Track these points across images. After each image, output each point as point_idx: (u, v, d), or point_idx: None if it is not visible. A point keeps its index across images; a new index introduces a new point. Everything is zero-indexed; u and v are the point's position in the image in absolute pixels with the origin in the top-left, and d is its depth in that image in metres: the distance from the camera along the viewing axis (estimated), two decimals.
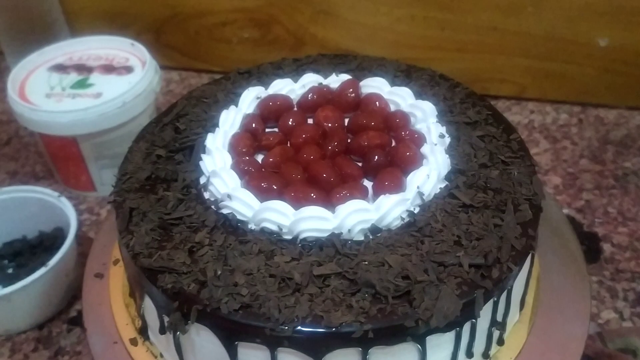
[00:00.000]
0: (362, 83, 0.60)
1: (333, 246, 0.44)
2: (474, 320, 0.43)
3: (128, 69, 0.78)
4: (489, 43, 0.89)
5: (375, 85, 0.60)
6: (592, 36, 0.85)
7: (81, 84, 0.76)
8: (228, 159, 0.52)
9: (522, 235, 0.46)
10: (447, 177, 0.50)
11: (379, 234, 0.45)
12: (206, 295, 0.42)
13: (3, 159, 0.88)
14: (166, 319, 0.46)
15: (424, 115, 0.55)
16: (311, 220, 0.45)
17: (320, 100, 0.58)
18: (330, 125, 0.54)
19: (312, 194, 0.47)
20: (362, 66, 0.65)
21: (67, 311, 0.67)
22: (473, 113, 0.58)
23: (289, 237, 0.46)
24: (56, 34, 0.91)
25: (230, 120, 0.56)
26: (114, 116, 0.72)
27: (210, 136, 0.54)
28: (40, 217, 0.71)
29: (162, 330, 0.47)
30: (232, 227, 0.47)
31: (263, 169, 0.51)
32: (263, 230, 0.46)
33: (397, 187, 0.48)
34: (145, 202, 0.50)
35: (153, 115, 0.79)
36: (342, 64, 0.66)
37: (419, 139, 0.52)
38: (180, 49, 1.01)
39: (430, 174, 0.48)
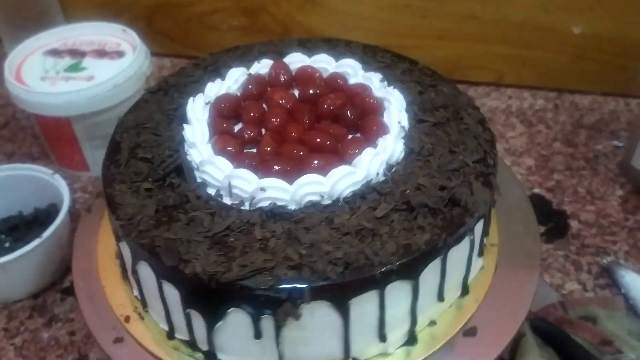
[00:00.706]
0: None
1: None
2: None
3: (119, 54, 0.82)
4: (469, 31, 0.93)
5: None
6: (567, 24, 0.89)
7: (74, 68, 0.80)
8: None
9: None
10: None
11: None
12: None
13: (0, 141, 0.91)
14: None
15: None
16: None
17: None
18: (288, 103, 0.59)
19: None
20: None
21: (60, 282, 0.70)
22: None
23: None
24: (51, 20, 0.95)
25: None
26: (105, 98, 0.76)
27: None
28: (36, 194, 0.75)
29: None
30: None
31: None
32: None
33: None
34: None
35: None
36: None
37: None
38: (172, 36, 1.05)
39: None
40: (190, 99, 0.59)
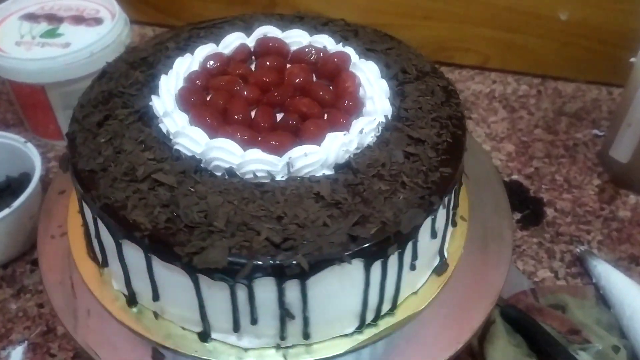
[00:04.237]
0: (354, 61, 0.60)
1: (188, 166, 0.49)
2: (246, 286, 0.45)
3: (98, 21, 0.80)
4: (455, 12, 0.92)
5: (363, 69, 0.59)
6: (553, 10, 0.88)
7: (51, 34, 0.78)
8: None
9: (339, 245, 0.44)
10: (337, 169, 0.49)
11: (231, 178, 0.49)
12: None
13: None
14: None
15: (373, 110, 0.54)
16: (187, 139, 0.49)
17: (306, 58, 0.60)
18: (293, 80, 0.57)
19: (205, 118, 0.51)
20: (388, 51, 0.63)
21: (30, 252, 0.69)
22: (431, 133, 0.54)
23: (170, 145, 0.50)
24: None
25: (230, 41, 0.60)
26: (81, 66, 0.74)
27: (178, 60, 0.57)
28: (8, 162, 0.73)
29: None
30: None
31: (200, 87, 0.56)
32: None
33: (278, 149, 0.49)
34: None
35: None
36: (375, 42, 0.64)
37: (340, 125, 0.52)
38: (155, 5, 1.02)
39: (309, 153, 0.48)
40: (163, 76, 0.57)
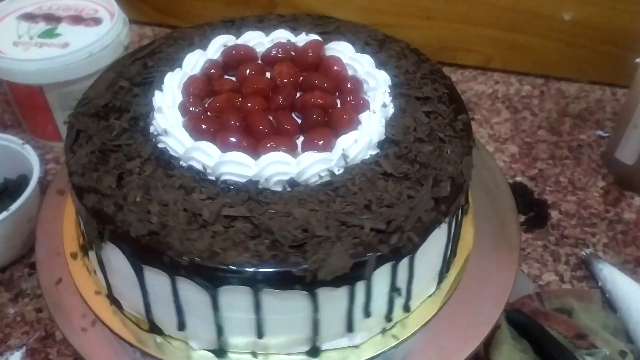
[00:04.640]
0: (327, 45, 0.61)
1: (247, 192, 0.46)
2: (367, 281, 0.45)
3: (96, 21, 0.79)
4: (458, 12, 0.91)
5: (339, 49, 0.60)
6: (557, 10, 0.87)
7: (49, 34, 0.77)
8: (178, 98, 0.53)
9: (433, 209, 0.46)
10: (380, 146, 0.50)
11: (295, 188, 0.47)
12: (120, 217, 0.45)
13: None
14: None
15: (376, 84, 0.56)
16: (233, 165, 0.47)
17: (283, 56, 0.58)
18: (283, 80, 0.55)
19: (241, 141, 0.48)
20: (339, 30, 0.65)
21: (29, 256, 0.68)
22: (429, 89, 0.57)
23: (212, 177, 0.48)
24: None
25: (193, 63, 0.57)
26: (80, 67, 0.73)
27: (169, 75, 0.55)
28: (5, 164, 0.72)
29: (89, 246, 0.51)
30: (164, 161, 0.49)
31: (206, 112, 0.53)
32: (190, 168, 0.48)
33: (325, 146, 0.48)
34: (94, 127, 0.52)
35: None
36: (320, 25, 0.66)
37: (361, 106, 0.53)
38: (154, 5, 1.01)
39: (359, 139, 0.49)
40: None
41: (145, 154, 0.49)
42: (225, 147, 0.48)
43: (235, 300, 0.44)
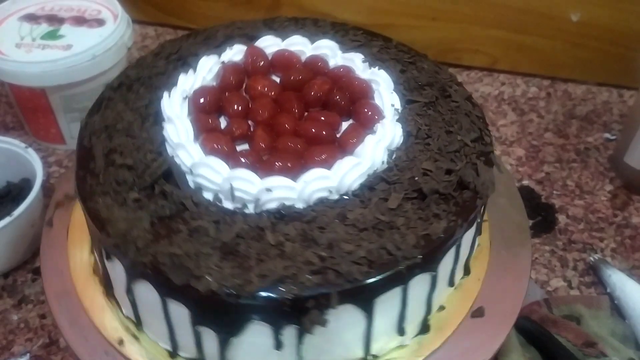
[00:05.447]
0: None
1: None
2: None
3: (100, 22, 0.78)
4: (464, 12, 0.90)
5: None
6: (564, 11, 0.86)
7: (51, 35, 0.76)
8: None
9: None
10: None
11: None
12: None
13: None
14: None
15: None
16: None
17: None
18: (271, 92, 0.56)
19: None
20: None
21: (32, 261, 0.68)
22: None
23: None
24: None
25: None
26: (83, 69, 0.72)
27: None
28: (8, 167, 0.72)
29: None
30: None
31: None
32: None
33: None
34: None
35: None
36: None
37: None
38: (157, 4, 1.00)
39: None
40: (165, 94, 0.54)
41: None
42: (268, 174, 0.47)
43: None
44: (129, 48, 0.78)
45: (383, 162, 0.50)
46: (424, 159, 0.51)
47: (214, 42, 0.62)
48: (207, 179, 0.47)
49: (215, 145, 0.49)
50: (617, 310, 0.63)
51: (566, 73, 0.93)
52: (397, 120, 0.53)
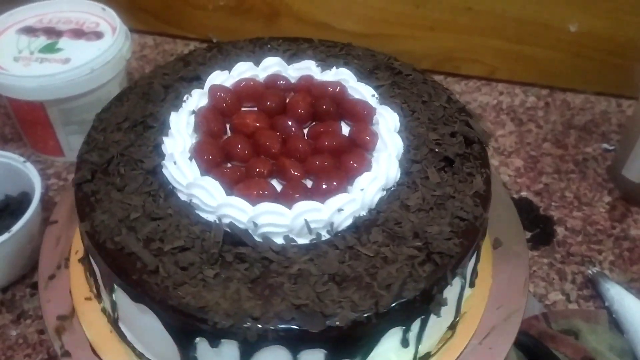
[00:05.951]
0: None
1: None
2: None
3: (98, 35, 0.78)
4: (463, 23, 0.90)
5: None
6: (563, 21, 0.86)
7: (50, 49, 0.76)
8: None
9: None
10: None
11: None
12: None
13: None
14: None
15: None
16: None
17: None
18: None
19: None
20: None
21: (30, 275, 0.68)
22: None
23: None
24: None
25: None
26: (82, 83, 0.72)
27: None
28: (7, 181, 0.71)
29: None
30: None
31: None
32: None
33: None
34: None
35: (123, 83, 0.79)
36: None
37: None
38: (155, 14, 1.00)
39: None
40: (169, 164, 0.50)
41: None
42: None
43: None
44: (128, 60, 0.78)
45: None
46: (426, 131, 0.54)
47: (159, 96, 0.58)
48: (274, 225, 0.46)
49: (259, 192, 0.48)
50: (616, 324, 0.63)
51: (565, 83, 0.93)
52: (382, 104, 0.56)
